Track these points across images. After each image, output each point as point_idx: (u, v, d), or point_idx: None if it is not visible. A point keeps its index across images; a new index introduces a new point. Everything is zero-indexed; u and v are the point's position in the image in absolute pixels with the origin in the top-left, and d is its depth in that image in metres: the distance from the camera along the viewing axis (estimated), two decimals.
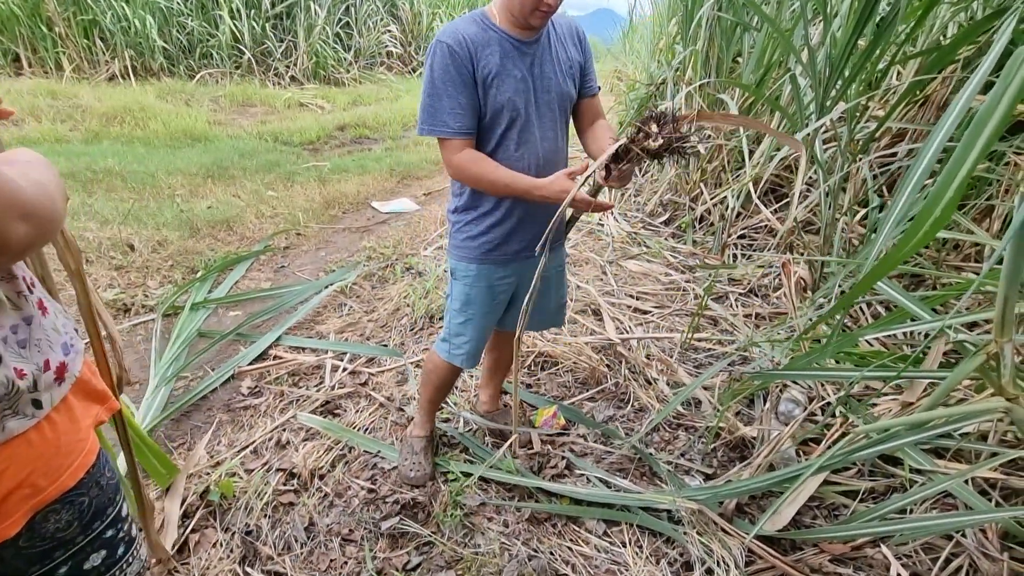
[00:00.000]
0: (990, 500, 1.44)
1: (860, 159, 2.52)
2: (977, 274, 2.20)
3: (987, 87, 0.92)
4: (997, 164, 2.24)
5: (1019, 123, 2.17)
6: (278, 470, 1.72)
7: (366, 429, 1.92)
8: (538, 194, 1.27)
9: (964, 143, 0.72)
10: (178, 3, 7.75)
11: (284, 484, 1.68)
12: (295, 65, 8.60)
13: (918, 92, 2.49)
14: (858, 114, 2.40)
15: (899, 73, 2.68)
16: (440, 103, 1.24)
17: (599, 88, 1.47)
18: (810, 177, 2.87)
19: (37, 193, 0.57)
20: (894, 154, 2.61)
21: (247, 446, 1.82)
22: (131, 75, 7.30)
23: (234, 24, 8.03)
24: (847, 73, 2.12)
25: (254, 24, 8.23)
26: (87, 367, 0.79)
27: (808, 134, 2.22)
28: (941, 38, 2.52)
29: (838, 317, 1.76)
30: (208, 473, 1.69)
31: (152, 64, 7.58)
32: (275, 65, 8.44)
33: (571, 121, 1.47)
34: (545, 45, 1.32)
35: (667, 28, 4.51)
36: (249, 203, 3.96)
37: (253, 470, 1.72)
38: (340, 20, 9.37)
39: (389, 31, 10.21)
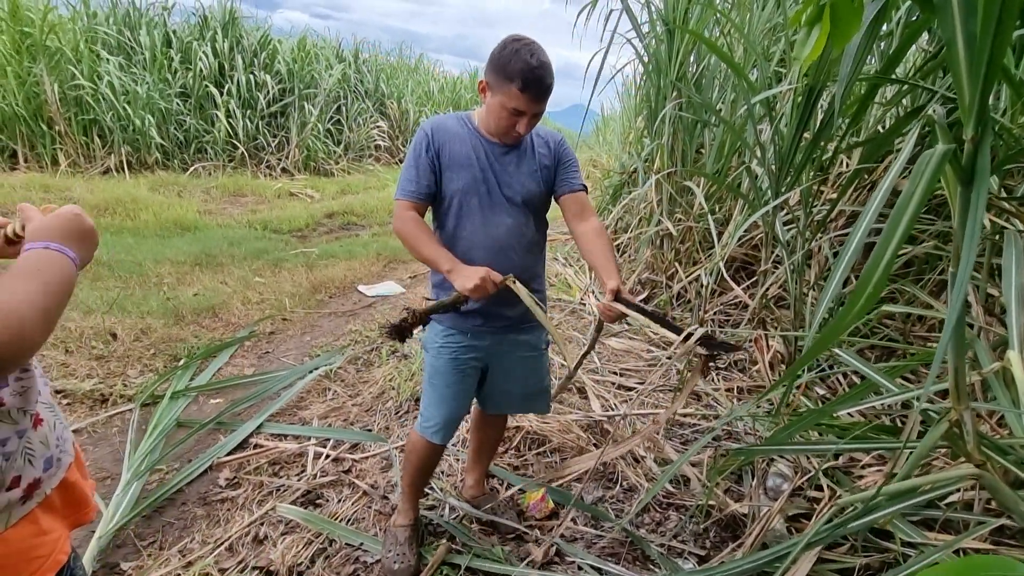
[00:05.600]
0: None
1: (820, 238, 2.70)
2: None
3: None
4: (944, 243, 2.42)
5: None
6: (254, 568, 1.64)
7: (349, 520, 1.85)
8: (445, 268, 1.39)
9: (887, 229, 0.82)
10: (177, 104, 8.22)
11: None
12: (287, 158, 9.03)
13: (865, 177, 2.73)
14: (812, 198, 2.61)
15: (846, 162, 2.95)
16: (405, 173, 1.47)
17: (582, 187, 1.54)
18: (778, 255, 3.05)
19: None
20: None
21: (222, 542, 1.73)
22: (126, 169, 7.57)
23: (230, 122, 8.50)
24: (797, 162, 2.34)
25: (248, 122, 8.72)
26: (72, 471, 0.77)
27: (767, 212, 2.39)
28: (879, 129, 2.81)
29: (817, 389, 1.82)
30: (179, 575, 1.60)
31: (147, 158, 7.88)
32: (267, 158, 8.84)
33: (550, 214, 1.62)
34: (519, 149, 1.49)
35: (635, 123, 4.92)
36: (236, 289, 4.00)
37: (227, 569, 1.63)
38: (332, 118, 9.99)
39: (378, 127, 10.87)
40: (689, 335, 1.26)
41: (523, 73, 1.30)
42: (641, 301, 3.82)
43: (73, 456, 0.79)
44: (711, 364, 1.28)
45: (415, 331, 1.40)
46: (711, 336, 1.27)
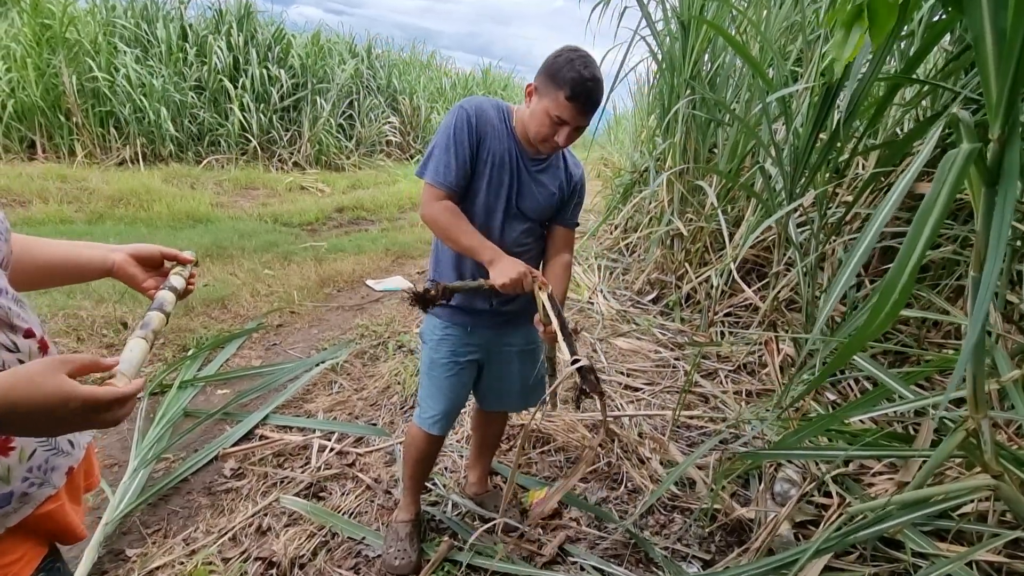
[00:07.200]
0: None
1: (834, 241, 2.65)
2: (957, 350, 2.26)
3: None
4: (963, 247, 2.37)
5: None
6: (256, 559, 1.64)
7: (351, 513, 1.85)
8: (486, 257, 1.34)
9: (911, 234, 0.79)
10: (192, 97, 8.28)
11: (262, 574, 1.59)
12: (299, 152, 9.07)
13: (882, 180, 2.68)
14: (827, 200, 2.56)
15: (863, 164, 2.90)
16: (440, 155, 1.37)
17: (576, 224, 1.57)
18: (789, 258, 3.00)
19: None
20: None
21: (226, 532, 1.74)
22: (140, 160, 7.64)
23: (243, 116, 8.55)
24: (812, 163, 2.29)
25: (262, 116, 8.77)
26: (54, 500, 0.71)
27: (781, 216, 2.36)
28: (897, 131, 2.75)
29: (827, 395, 1.79)
30: (183, 563, 1.61)
31: (162, 151, 7.96)
32: (279, 152, 8.89)
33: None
34: (547, 166, 1.45)
35: (647, 122, 4.87)
36: (245, 282, 4.02)
37: (230, 559, 1.63)
38: (344, 113, 10.02)
39: (390, 122, 10.89)
40: (577, 360, 1.28)
41: (574, 83, 1.26)
42: (649, 301, 3.80)
43: (58, 486, 0.72)
44: (584, 392, 1.32)
45: (436, 303, 1.35)
46: (590, 369, 1.29)
